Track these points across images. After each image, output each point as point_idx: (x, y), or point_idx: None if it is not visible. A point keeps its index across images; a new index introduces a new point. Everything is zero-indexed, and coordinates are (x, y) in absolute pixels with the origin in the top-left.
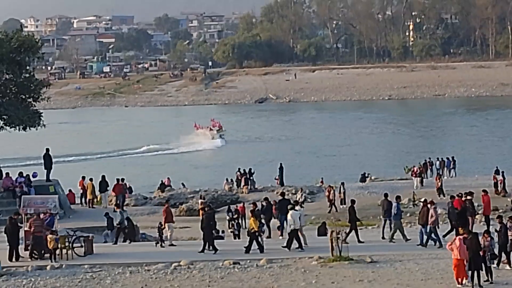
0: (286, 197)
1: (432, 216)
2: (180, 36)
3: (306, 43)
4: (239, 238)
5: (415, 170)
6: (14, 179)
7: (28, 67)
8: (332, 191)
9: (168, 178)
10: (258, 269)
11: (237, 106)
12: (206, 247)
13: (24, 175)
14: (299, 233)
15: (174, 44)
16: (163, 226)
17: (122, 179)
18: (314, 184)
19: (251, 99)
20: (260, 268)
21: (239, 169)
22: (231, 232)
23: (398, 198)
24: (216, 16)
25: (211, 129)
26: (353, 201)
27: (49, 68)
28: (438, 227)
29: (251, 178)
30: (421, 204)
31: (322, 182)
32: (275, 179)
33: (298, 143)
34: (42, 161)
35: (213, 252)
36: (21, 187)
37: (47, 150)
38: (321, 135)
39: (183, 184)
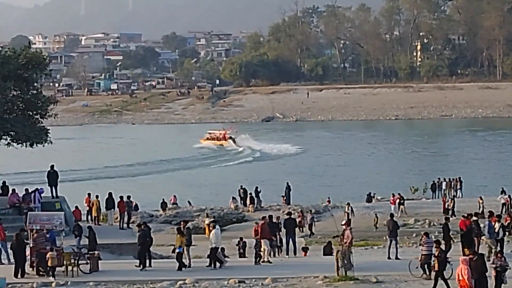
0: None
1: (348, 237)
2: (187, 54)
3: (313, 62)
4: (244, 256)
5: (394, 199)
6: (20, 195)
7: (35, 84)
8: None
9: (174, 196)
10: None
11: (244, 124)
12: (147, 265)
13: (30, 191)
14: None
15: (182, 62)
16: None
17: (128, 197)
18: (320, 203)
19: (257, 118)
20: (265, 287)
21: (241, 186)
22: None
23: (491, 215)
24: (224, 35)
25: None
26: (392, 215)
27: (56, 85)
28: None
29: (258, 196)
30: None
31: (328, 201)
32: (282, 197)
33: (304, 162)
34: (46, 179)
35: (141, 268)
36: (27, 203)
37: (52, 167)
38: (328, 154)
39: (189, 202)
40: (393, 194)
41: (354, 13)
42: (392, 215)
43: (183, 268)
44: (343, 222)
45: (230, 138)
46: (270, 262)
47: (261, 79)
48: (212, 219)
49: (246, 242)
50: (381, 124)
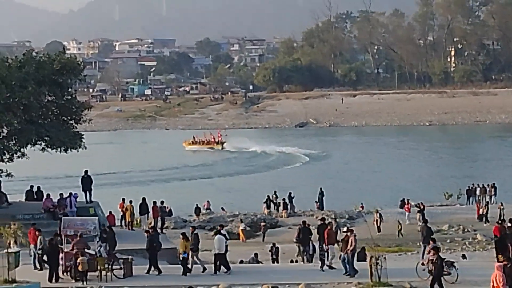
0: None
1: (351, 244)
2: (221, 59)
3: (346, 67)
4: (277, 262)
5: (408, 206)
6: (55, 200)
7: (70, 89)
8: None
9: (208, 201)
10: None
11: (277, 130)
12: (152, 268)
13: (65, 196)
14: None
15: (215, 68)
16: (327, 247)
17: (162, 202)
18: (353, 209)
19: (291, 123)
20: None
21: (274, 192)
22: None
23: None
24: (257, 40)
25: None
26: (426, 221)
27: (90, 90)
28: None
29: (291, 202)
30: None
31: (362, 207)
32: (316, 202)
33: (338, 167)
34: (80, 184)
35: (157, 273)
36: (62, 208)
37: (86, 172)
38: (362, 160)
39: (222, 208)
40: (407, 200)
41: (387, 18)
42: (426, 221)
43: (187, 273)
44: (345, 229)
45: (219, 142)
46: (333, 268)
47: (294, 85)
48: (219, 225)
49: (279, 248)
50: (414, 130)
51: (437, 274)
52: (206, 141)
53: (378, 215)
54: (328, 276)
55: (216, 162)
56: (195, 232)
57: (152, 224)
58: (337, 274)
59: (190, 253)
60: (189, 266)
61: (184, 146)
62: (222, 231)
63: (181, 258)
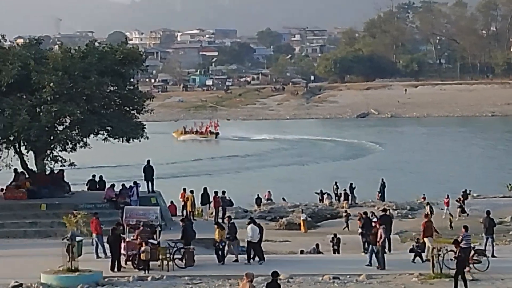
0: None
1: (381, 236)
2: (282, 50)
3: (408, 58)
4: (338, 253)
5: (448, 200)
6: (117, 190)
7: (132, 80)
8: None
9: (269, 191)
10: (357, 284)
11: (339, 120)
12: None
13: (127, 186)
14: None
15: (276, 58)
16: (421, 240)
17: (223, 192)
18: (415, 200)
19: (352, 114)
20: (360, 284)
21: (335, 183)
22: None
23: None
24: (319, 31)
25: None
26: (488, 212)
27: (152, 80)
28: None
29: (352, 193)
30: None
31: (424, 198)
32: (377, 193)
33: (400, 158)
34: (143, 173)
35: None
36: (123, 198)
37: (148, 162)
38: (422, 151)
39: (283, 199)
40: (447, 195)
41: (450, 8)
42: (488, 212)
43: (223, 262)
44: (375, 219)
45: (212, 132)
46: (428, 261)
47: (355, 75)
48: (250, 217)
49: (340, 238)
50: (477, 121)
51: (459, 267)
52: (197, 131)
53: (428, 207)
54: (389, 267)
55: (269, 152)
56: (231, 222)
57: (214, 214)
58: (398, 266)
59: (227, 242)
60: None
61: (175, 136)
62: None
63: (219, 247)
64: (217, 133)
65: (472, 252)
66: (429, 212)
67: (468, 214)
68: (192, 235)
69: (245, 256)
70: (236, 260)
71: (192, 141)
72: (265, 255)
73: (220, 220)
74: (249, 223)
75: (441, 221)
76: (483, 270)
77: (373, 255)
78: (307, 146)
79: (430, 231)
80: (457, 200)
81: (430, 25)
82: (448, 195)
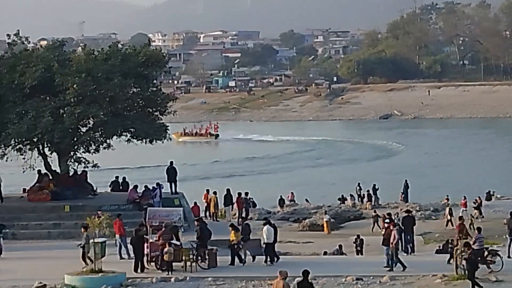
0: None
1: (394, 237)
2: (305, 51)
3: (431, 59)
4: (362, 254)
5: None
6: (140, 191)
7: (155, 81)
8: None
9: (292, 193)
10: (381, 286)
11: (362, 122)
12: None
13: (150, 187)
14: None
15: (299, 60)
16: (455, 242)
17: (246, 193)
18: (439, 201)
19: (375, 115)
20: (383, 285)
21: (358, 184)
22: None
23: None
24: (341, 32)
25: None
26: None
27: (175, 82)
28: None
29: (375, 194)
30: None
31: (447, 199)
32: (401, 193)
33: (423, 159)
34: (166, 175)
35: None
36: (146, 199)
37: (171, 163)
38: (447, 152)
39: (306, 200)
40: (464, 196)
41: (473, 9)
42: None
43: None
44: (387, 220)
45: (212, 134)
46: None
47: (378, 76)
48: (265, 217)
49: (363, 240)
50: (500, 122)
51: (470, 269)
52: (197, 133)
53: (448, 209)
54: (412, 269)
55: (291, 154)
56: (246, 222)
57: (237, 215)
58: (421, 267)
59: (242, 243)
60: (242, 256)
61: (175, 137)
62: (271, 222)
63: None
64: (217, 135)
65: (486, 253)
66: (451, 214)
67: (483, 217)
68: (207, 235)
69: (262, 257)
70: (244, 262)
71: (192, 143)
72: (288, 256)
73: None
74: (264, 224)
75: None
76: (497, 271)
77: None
78: (328, 147)
79: (464, 233)
80: (474, 202)
81: (453, 26)
82: (465, 197)
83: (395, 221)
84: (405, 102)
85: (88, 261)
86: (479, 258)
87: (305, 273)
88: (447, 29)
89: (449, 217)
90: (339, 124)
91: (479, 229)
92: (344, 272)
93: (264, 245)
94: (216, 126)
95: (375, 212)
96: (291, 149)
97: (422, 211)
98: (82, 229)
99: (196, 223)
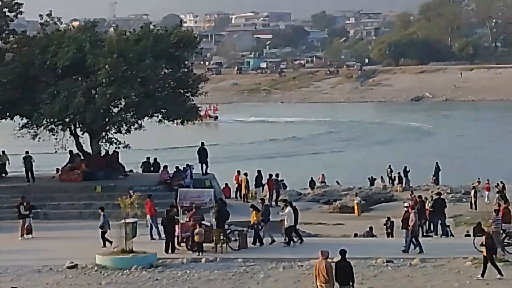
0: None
1: (412, 220)
2: (336, 33)
3: (463, 41)
4: (392, 236)
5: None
6: (171, 172)
7: (186, 62)
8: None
9: (323, 174)
10: (411, 268)
11: (393, 104)
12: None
13: (181, 168)
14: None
15: (331, 41)
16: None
17: (277, 175)
18: (470, 184)
19: (406, 97)
20: (413, 267)
21: (389, 166)
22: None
23: None
24: (373, 14)
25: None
26: None
27: (206, 63)
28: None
29: (406, 176)
30: None
31: (478, 182)
32: (432, 176)
33: (455, 142)
34: (197, 156)
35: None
36: (177, 180)
37: (202, 144)
38: (479, 135)
39: (337, 182)
40: (487, 180)
41: None
42: None
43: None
44: (406, 204)
45: (211, 116)
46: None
47: (410, 58)
48: (285, 199)
49: (394, 222)
50: None
51: (488, 255)
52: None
53: (473, 191)
54: (443, 251)
55: (317, 136)
56: (265, 204)
57: (268, 196)
58: (452, 250)
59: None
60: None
61: None
62: (292, 204)
63: (254, 229)
64: (216, 117)
65: (504, 235)
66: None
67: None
68: (226, 215)
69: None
70: (273, 242)
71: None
72: (318, 238)
73: (274, 203)
74: (285, 206)
75: (484, 207)
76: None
77: (412, 239)
78: (358, 129)
79: (508, 218)
80: (496, 185)
81: (486, 8)
82: (488, 180)
83: (427, 204)
84: (436, 84)
85: (106, 241)
86: (498, 240)
87: (343, 252)
88: (479, 11)
89: (472, 200)
90: (370, 106)
91: (496, 211)
92: (374, 254)
93: (285, 228)
94: (215, 108)
95: (412, 193)
96: (324, 130)
97: (453, 193)
98: (99, 211)
99: (214, 203)
